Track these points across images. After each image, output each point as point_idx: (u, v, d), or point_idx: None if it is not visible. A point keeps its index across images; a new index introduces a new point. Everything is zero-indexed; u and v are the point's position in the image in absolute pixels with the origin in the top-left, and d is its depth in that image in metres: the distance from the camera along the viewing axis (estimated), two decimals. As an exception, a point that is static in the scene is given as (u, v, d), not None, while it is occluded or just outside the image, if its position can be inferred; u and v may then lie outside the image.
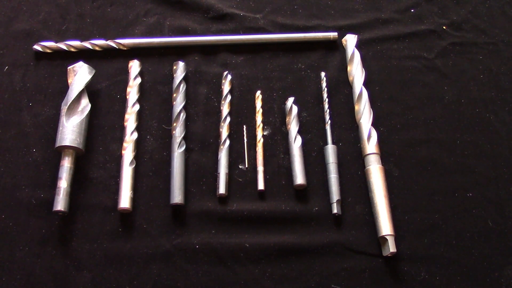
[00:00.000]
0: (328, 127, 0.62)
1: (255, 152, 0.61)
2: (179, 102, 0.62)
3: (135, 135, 0.61)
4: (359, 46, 0.66)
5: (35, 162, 0.60)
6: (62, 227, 0.57)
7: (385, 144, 0.62)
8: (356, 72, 0.64)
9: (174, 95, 0.63)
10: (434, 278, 0.56)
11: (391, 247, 0.55)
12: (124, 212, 0.57)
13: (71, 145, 0.57)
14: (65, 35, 0.68)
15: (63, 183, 0.56)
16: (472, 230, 0.58)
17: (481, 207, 0.59)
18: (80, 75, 0.61)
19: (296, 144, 0.60)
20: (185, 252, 0.56)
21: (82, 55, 0.65)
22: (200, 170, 0.60)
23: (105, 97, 0.64)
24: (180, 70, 0.64)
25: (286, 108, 0.63)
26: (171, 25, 0.69)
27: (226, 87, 0.64)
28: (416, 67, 0.67)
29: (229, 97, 0.64)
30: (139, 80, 0.64)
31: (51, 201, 0.56)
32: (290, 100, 0.62)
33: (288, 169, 0.60)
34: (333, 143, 0.61)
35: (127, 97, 0.63)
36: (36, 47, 0.66)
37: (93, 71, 0.63)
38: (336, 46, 0.68)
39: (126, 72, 0.65)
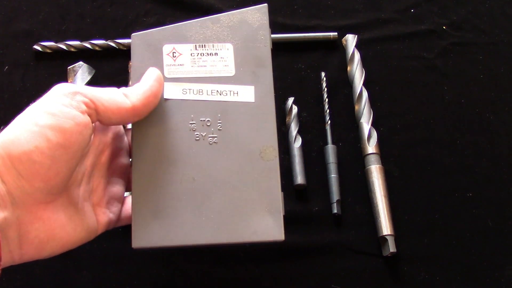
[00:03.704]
0: (328, 127, 0.62)
1: (255, 152, 0.61)
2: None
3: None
4: (359, 46, 0.66)
5: (35, 162, 0.60)
6: (62, 227, 0.57)
7: (385, 144, 0.62)
8: (356, 72, 0.64)
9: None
10: (434, 278, 0.56)
11: (391, 247, 0.55)
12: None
13: (71, 145, 0.58)
14: (65, 35, 0.68)
15: (63, 183, 0.57)
16: (472, 230, 0.58)
17: (481, 207, 0.59)
18: (80, 75, 0.61)
19: (296, 144, 0.60)
20: (185, 252, 0.56)
21: (82, 55, 0.65)
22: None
23: (105, 97, 0.64)
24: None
25: (286, 108, 0.63)
26: (171, 25, 0.69)
27: (226, 87, 0.64)
28: (416, 67, 0.67)
29: (229, 97, 0.64)
30: (139, 80, 0.64)
31: (51, 201, 0.56)
32: (290, 100, 0.63)
33: (288, 169, 0.60)
34: (333, 143, 0.61)
35: (127, 97, 0.63)
36: (36, 47, 0.66)
37: (93, 71, 0.63)
38: (336, 46, 0.68)
39: (126, 72, 0.65)
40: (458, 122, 0.64)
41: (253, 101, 0.46)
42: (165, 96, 0.46)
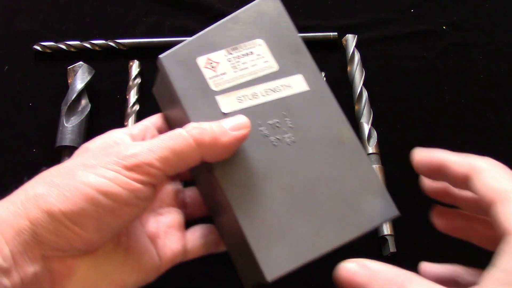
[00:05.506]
0: (328, 127, 0.62)
1: (255, 152, 0.61)
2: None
3: (135, 135, 0.61)
4: (359, 46, 0.66)
5: (35, 162, 0.60)
6: (62, 227, 0.56)
7: (385, 144, 0.62)
8: (356, 72, 0.64)
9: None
10: (434, 278, 0.56)
11: (391, 247, 0.55)
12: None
13: (71, 145, 0.58)
14: (65, 35, 0.68)
15: (63, 183, 0.56)
16: (472, 230, 0.58)
17: (481, 207, 0.59)
18: (80, 75, 0.61)
19: (296, 144, 0.60)
20: (185, 252, 0.56)
21: (82, 55, 0.65)
22: (200, 170, 0.60)
23: (105, 97, 0.64)
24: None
25: (286, 108, 0.62)
26: (171, 25, 0.69)
27: (226, 87, 0.64)
28: (416, 67, 0.67)
29: (229, 97, 0.64)
30: (139, 80, 0.64)
31: (51, 201, 0.56)
32: (290, 100, 0.62)
33: (288, 169, 0.60)
34: (333, 143, 0.61)
35: (127, 97, 0.63)
36: (36, 47, 0.66)
37: (93, 71, 0.63)
38: (336, 46, 0.68)
39: (126, 72, 0.65)
40: (458, 122, 0.64)
41: (308, 89, 0.44)
42: (224, 111, 0.42)
